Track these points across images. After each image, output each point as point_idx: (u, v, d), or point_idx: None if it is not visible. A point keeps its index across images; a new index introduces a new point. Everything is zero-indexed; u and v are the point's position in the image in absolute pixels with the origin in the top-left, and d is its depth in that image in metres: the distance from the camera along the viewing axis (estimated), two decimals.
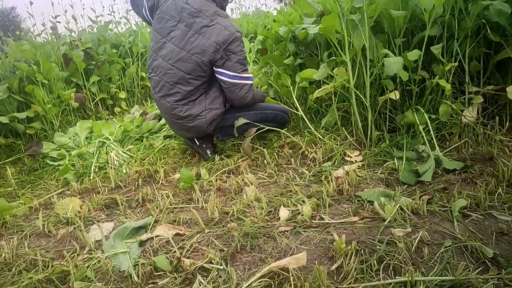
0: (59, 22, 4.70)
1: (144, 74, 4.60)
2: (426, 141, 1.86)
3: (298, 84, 2.42)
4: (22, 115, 2.95)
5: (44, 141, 3.09)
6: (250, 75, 2.20)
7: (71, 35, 4.62)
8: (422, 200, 1.47)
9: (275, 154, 2.22)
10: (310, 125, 2.29)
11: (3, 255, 1.45)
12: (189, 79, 2.10)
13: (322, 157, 2.07)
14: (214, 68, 2.13)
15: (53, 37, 4.75)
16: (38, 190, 2.25)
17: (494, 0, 1.79)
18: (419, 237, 1.25)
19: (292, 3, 4.76)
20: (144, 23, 5.19)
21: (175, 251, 1.36)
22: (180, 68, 2.09)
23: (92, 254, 1.42)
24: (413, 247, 1.21)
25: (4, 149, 2.88)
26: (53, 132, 3.13)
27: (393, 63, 1.81)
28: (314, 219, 1.48)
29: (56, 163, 2.56)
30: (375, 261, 1.16)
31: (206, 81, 2.17)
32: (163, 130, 2.93)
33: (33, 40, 4.32)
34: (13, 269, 1.37)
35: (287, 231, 1.42)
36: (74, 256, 1.41)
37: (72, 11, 4.96)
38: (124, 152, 2.56)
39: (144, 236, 1.48)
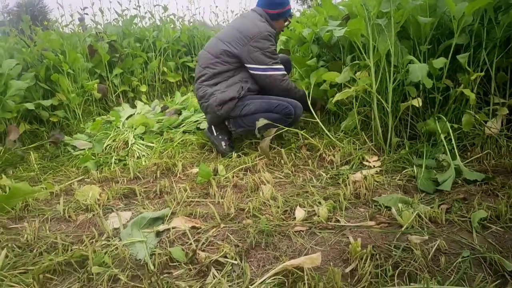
0: (87, 14, 4.79)
1: (165, 69, 4.66)
2: (447, 150, 1.84)
3: (313, 85, 2.39)
4: (47, 102, 3.03)
5: (66, 129, 3.18)
6: (280, 66, 2.38)
7: (97, 28, 4.72)
8: (441, 209, 1.45)
9: (292, 154, 2.22)
10: (327, 131, 2.29)
11: (26, 236, 1.50)
12: (215, 62, 2.36)
13: (340, 161, 2.07)
14: (246, 65, 2.34)
15: (80, 28, 4.85)
16: (59, 176, 2.30)
17: None
18: (436, 245, 1.24)
19: (315, 5, 4.75)
20: (168, 18, 5.27)
21: (191, 244, 1.38)
22: (210, 52, 2.40)
23: (110, 241, 1.45)
24: (430, 255, 1.20)
25: (28, 135, 2.97)
26: (76, 121, 3.20)
27: (418, 70, 1.80)
28: (330, 221, 1.48)
29: (77, 152, 2.62)
30: (390, 267, 1.16)
31: (231, 70, 2.37)
32: (183, 125, 2.97)
33: (61, 30, 4.42)
34: (34, 250, 1.41)
35: (303, 231, 1.42)
36: (92, 241, 1.45)
37: (99, 4, 5.06)
38: (145, 145, 2.61)
39: (161, 227, 1.51)
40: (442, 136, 1.91)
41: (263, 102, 2.34)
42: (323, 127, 2.31)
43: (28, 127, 2.93)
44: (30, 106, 2.82)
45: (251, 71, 2.35)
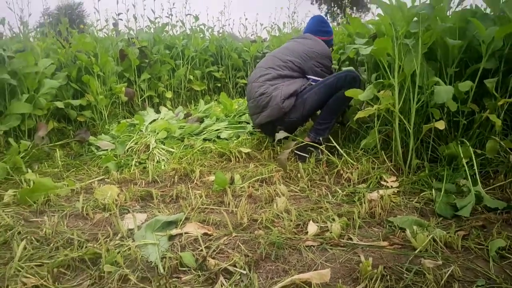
0: (121, 19, 4.97)
1: (191, 77, 4.76)
2: (469, 176, 1.80)
3: None
4: (76, 102, 3.14)
5: (92, 129, 3.28)
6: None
7: (129, 33, 4.87)
8: (458, 234, 1.41)
9: (309, 169, 2.22)
10: (342, 152, 2.28)
11: (44, 230, 1.55)
12: (282, 65, 2.53)
13: (358, 179, 2.05)
14: (308, 76, 2.56)
15: (113, 33, 5.02)
16: (81, 175, 2.37)
17: None
18: (450, 271, 1.21)
19: (344, 23, 4.76)
20: (198, 28, 5.39)
21: (201, 250, 1.39)
22: (277, 56, 2.59)
23: (123, 241, 1.48)
24: (443, 280, 1.17)
25: (56, 133, 3.08)
26: (101, 122, 3.30)
27: (443, 92, 1.77)
28: (342, 238, 1.46)
29: (100, 152, 2.70)
30: None
31: (294, 77, 2.52)
32: (204, 133, 3.01)
33: (95, 34, 4.59)
34: (51, 245, 1.46)
35: (314, 246, 1.41)
36: (107, 240, 1.48)
37: (133, 11, 5.23)
38: (165, 150, 2.66)
39: (174, 231, 1.53)
40: (464, 161, 1.87)
41: (322, 87, 2.44)
42: (338, 147, 2.30)
43: (56, 124, 3.05)
44: (60, 104, 2.94)
45: (312, 81, 2.54)
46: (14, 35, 3.85)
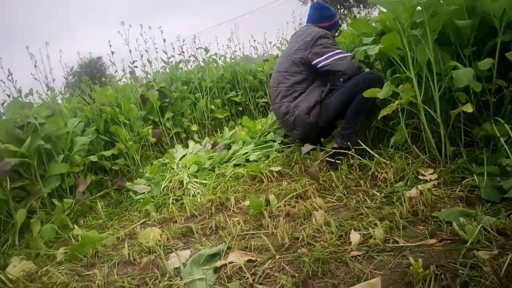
0: (136, 66, 5.19)
1: (213, 107, 4.86)
2: (510, 154, 1.71)
3: None
4: (108, 153, 3.27)
5: (127, 175, 3.39)
6: (346, 52, 2.50)
7: (147, 77, 5.06)
8: (510, 218, 1.34)
9: (343, 176, 2.19)
10: (373, 152, 2.22)
11: (97, 282, 1.60)
12: (286, 75, 2.54)
13: (394, 177, 2.00)
14: (314, 62, 2.47)
15: (132, 80, 5.24)
16: (124, 221, 2.45)
17: None
18: (508, 260, 1.14)
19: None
20: (211, 58, 5.53)
21: (247, 278, 1.39)
22: (279, 70, 2.61)
23: (172, 281, 1.50)
24: (502, 271, 1.11)
25: (94, 185, 3.20)
26: (135, 167, 3.41)
27: (463, 75, 1.72)
28: (388, 243, 1.42)
29: (138, 196, 2.78)
30: (458, 287, 1.08)
31: (304, 79, 2.53)
32: (233, 159, 3.05)
33: (116, 84, 4.80)
34: None
35: (360, 256, 1.38)
36: (156, 283, 1.51)
37: (147, 55, 5.45)
38: (199, 182, 2.71)
39: (218, 263, 1.54)
40: (502, 140, 1.78)
41: (341, 92, 2.43)
42: (368, 149, 2.25)
43: (94, 177, 3.17)
44: (93, 158, 3.07)
45: (320, 65, 2.46)
46: (42, 102, 4.10)
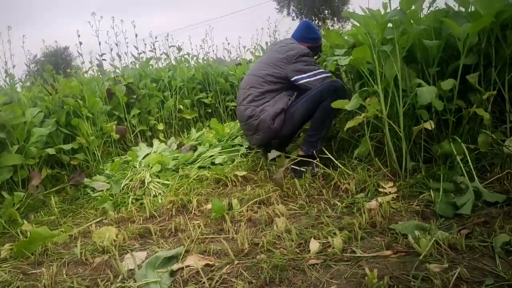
0: (105, 60, 5.02)
1: (181, 107, 4.78)
2: (465, 172, 1.79)
3: None
4: (67, 146, 3.13)
5: (86, 171, 3.26)
6: (326, 72, 2.55)
7: (115, 71, 4.91)
8: (460, 234, 1.39)
9: (306, 184, 2.20)
10: (337, 162, 2.27)
11: (43, 281, 1.52)
12: (262, 82, 2.53)
13: (355, 188, 2.03)
14: (293, 79, 2.49)
15: (99, 73, 5.07)
16: (78, 219, 2.35)
17: None
18: (457, 273, 1.18)
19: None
20: (183, 58, 5.45)
21: (204, 282, 1.36)
22: (255, 74, 2.58)
23: (125, 283, 1.45)
24: (451, 284, 1.15)
25: (50, 179, 3.05)
26: (95, 163, 3.28)
27: (426, 93, 1.79)
28: (346, 252, 1.44)
29: (95, 194, 2.68)
30: None
31: (277, 90, 2.52)
32: (198, 161, 3.00)
33: (81, 76, 4.63)
34: None
35: (317, 264, 1.38)
36: (107, 284, 1.45)
37: (117, 49, 5.29)
38: (161, 183, 2.64)
39: (175, 266, 1.50)
40: (459, 158, 1.86)
41: (306, 101, 2.45)
42: (333, 159, 2.29)
43: (49, 171, 3.02)
44: (51, 151, 2.92)
45: (301, 82, 2.48)
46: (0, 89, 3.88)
